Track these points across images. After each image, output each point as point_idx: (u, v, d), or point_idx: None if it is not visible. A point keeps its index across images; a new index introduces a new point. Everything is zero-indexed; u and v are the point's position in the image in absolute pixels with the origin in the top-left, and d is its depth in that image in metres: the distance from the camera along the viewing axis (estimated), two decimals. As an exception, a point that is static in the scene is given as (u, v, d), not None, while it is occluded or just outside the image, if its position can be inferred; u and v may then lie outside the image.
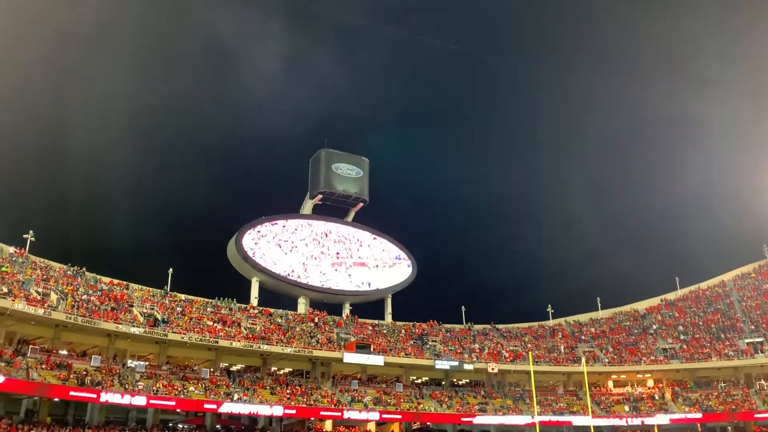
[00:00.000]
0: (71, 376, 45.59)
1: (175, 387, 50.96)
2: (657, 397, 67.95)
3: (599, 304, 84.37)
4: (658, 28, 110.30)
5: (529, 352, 69.13)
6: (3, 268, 49.28)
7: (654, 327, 76.88)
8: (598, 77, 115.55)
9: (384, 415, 58.38)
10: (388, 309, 79.10)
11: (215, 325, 59.18)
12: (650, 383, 71.77)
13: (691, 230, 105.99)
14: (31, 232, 56.16)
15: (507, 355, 71.48)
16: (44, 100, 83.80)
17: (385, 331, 72.50)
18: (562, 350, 73.96)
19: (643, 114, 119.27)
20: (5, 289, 45.59)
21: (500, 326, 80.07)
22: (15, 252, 54.22)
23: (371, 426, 62.09)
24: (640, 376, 72.07)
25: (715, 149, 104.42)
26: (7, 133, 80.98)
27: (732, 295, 79.45)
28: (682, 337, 73.50)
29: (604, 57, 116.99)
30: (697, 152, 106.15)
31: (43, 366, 45.22)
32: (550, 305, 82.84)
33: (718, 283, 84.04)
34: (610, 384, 72.80)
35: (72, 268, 57.51)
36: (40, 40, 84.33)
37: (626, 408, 66.22)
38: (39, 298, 48.02)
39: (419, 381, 71.16)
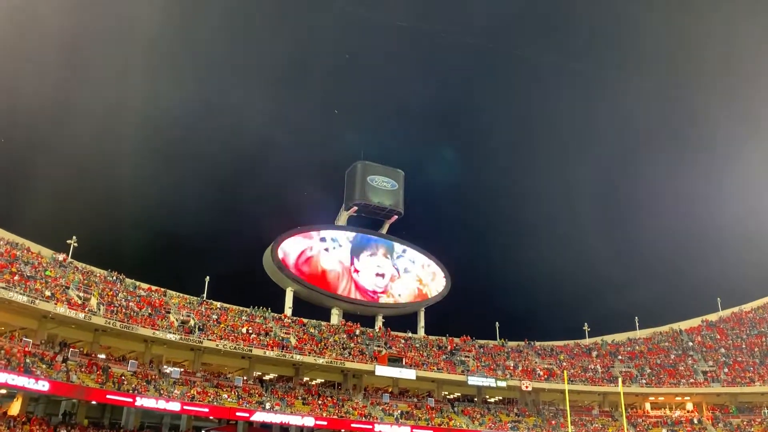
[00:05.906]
0: (109, 379, 46.49)
1: (209, 394, 51.52)
2: (696, 421, 66.01)
3: (637, 324, 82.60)
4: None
5: (564, 371, 67.97)
6: (47, 272, 50.66)
7: (692, 346, 74.86)
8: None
9: (415, 430, 57.87)
10: (421, 323, 78.69)
11: (249, 332, 59.70)
12: (689, 406, 69.77)
13: (734, 251, 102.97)
14: (74, 237, 57.67)
15: (541, 373, 70.35)
16: (92, 108, 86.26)
17: (417, 345, 72.11)
18: (599, 370, 72.48)
19: (692, 134, 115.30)
20: (48, 293, 46.84)
21: (535, 343, 78.95)
22: (57, 255, 55.70)
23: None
24: (678, 398, 70.14)
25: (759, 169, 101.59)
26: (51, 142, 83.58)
27: (777, 318, 77.00)
28: (723, 359, 71.39)
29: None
30: (741, 172, 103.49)
31: (83, 369, 46.20)
32: (586, 323, 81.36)
33: (762, 305, 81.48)
34: (648, 406, 70.95)
35: (112, 274, 58.81)
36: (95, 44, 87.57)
37: (664, 431, 64.46)
38: (80, 302, 49.15)
39: (451, 396, 70.52)
